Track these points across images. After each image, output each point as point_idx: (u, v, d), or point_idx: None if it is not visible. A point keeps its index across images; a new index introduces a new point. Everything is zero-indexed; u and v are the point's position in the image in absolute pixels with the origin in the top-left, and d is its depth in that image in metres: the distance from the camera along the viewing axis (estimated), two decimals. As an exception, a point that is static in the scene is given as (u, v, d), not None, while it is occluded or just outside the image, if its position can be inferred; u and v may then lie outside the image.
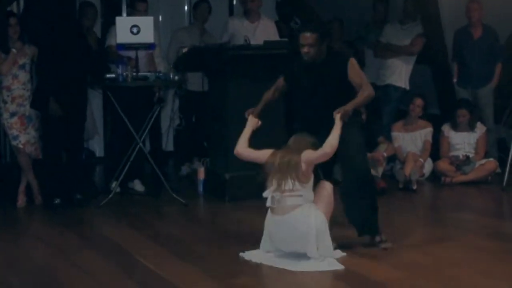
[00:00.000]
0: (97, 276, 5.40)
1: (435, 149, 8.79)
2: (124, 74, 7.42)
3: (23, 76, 7.41)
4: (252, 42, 7.97)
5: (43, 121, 7.46)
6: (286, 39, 8.35)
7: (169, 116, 9.11)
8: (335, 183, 5.84)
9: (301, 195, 5.47)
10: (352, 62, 5.84)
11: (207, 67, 8.07)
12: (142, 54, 7.84)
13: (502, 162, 8.57)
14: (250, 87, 7.51)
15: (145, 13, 8.07)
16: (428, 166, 8.69)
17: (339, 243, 5.77)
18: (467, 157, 8.54)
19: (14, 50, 7.34)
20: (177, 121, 9.45)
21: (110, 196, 7.48)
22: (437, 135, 8.82)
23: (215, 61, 7.73)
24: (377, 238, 5.96)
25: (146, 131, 7.74)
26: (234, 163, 7.54)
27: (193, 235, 6.49)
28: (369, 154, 7.10)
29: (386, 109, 9.16)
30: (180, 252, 5.92)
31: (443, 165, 8.61)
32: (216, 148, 7.95)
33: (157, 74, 7.73)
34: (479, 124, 8.73)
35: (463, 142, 8.70)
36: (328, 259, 5.51)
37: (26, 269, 5.66)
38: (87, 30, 8.38)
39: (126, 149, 7.72)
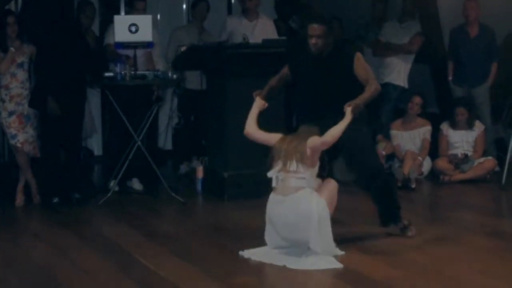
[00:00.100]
0: (96, 275, 5.40)
1: (434, 148, 8.79)
2: (123, 72, 7.42)
3: (22, 75, 7.41)
4: (251, 41, 7.96)
5: (41, 120, 7.46)
6: (284, 38, 8.34)
7: (167, 115, 9.11)
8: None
9: (304, 178, 5.51)
10: (358, 57, 5.93)
11: (206, 65, 8.06)
12: (140, 52, 7.83)
13: (501, 160, 8.58)
14: (249, 85, 7.46)
15: (143, 11, 8.07)
16: (426, 165, 8.69)
17: (339, 241, 5.77)
18: (466, 156, 8.54)
19: (12, 49, 7.33)
20: (175, 120, 9.44)
21: (109, 195, 7.47)
22: (435, 134, 8.82)
23: (213, 59, 7.73)
24: (400, 225, 6.15)
25: (145, 129, 7.73)
26: (233, 161, 7.58)
27: (192, 234, 6.49)
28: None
29: (385, 107, 9.16)
30: (179, 251, 5.92)
31: (442, 163, 8.61)
32: (215, 146, 7.95)
33: (155, 72, 7.73)
34: (477, 123, 8.73)
35: (461, 140, 8.70)
36: (327, 257, 5.51)
37: (25, 268, 5.66)
38: (86, 29, 8.38)
39: (125, 147, 7.72)
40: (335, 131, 5.54)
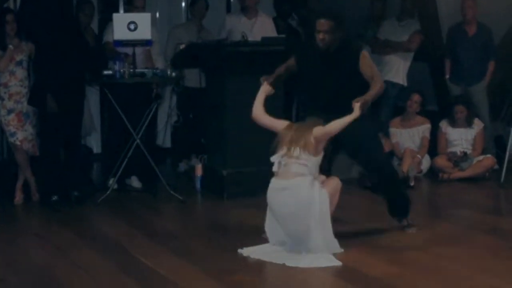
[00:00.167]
0: (95, 274, 5.40)
1: (433, 146, 8.79)
2: (122, 70, 7.42)
3: (20, 72, 7.40)
4: (250, 39, 7.95)
5: (40, 118, 7.45)
6: (283, 36, 8.34)
7: (166, 113, 9.11)
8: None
9: (306, 165, 5.53)
10: (364, 54, 5.97)
11: (205, 63, 8.06)
12: (139, 50, 7.82)
13: (500, 158, 8.58)
14: (248, 83, 7.47)
15: (142, 9, 8.07)
16: (425, 162, 8.69)
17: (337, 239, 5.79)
18: (465, 154, 8.55)
19: (11, 47, 7.32)
20: (174, 118, 9.44)
21: (108, 193, 7.47)
22: (435, 132, 8.83)
23: (212, 57, 7.73)
24: (404, 222, 6.22)
25: (144, 127, 7.73)
26: (232, 159, 7.58)
27: (191, 232, 6.49)
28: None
29: (384, 105, 9.16)
30: (178, 249, 5.92)
31: (441, 161, 8.62)
32: (214, 144, 7.95)
33: (154, 70, 7.73)
34: (476, 121, 8.74)
35: (460, 138, 8.71)
36: (326, 255, 5.52)
37: (24, 267, 5.66)
38: (85, 27, 8.38)
39: (124, 145, 7.72)
40: (339, 124, 5.58)
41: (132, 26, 7.46)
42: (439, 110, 9.46)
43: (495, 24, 8.95)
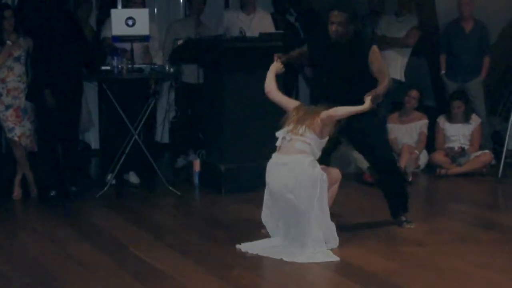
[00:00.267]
0: (93, 268, 5.40)
1: (431, 141, 8.80)
2: (119, 66, 7.42)
3: (18, 68, 7.40)
4: (248, 34, 7.96)
5: (39, 113, 7.45)
6: (281, 31, 8.34)
7: (164, 108, 9.11)
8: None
9: (309, 144, 5.56)
10: (375, 48, 6.02)
11: (203, 59, 8.06)
12: (137, 46, 7.83)
13: (497, 154, 8.59)
14: (246, 79, 7.52)
15: (140, 5, 8.06)
16: (423, 158, 8.70)
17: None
18: (462, 149, 8.56)
19: (9, 42, 7.32)
20: (172, 113, 9.44)
21: (106, 188, 7.48)
22: (432, 127, 8.83)
23: (210, 53, 7.73)
24: (402, 218, 6.26)
25: (142, 123, 7.73)
26: (230, 155, 7.59)
27: (189, 227, 6.50)
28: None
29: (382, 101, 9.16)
30: (175, 244, 5.92)
31: (439, 157, 8.63)
32: (212, 140, 7.96)
33: (152, 66, 7.73)
34: (474, 116, 8.75)
35: (458, 134, 8.72)
36: (324, 250, 5.53)
37: (22, 262, 5.67)
38: (83, 23, 8.37)
39: (122, 141, 7.72)
40: (346, 110, 5.63)
41: (130, 22, 7.46)
42: (437, 106, 9.48)
43: (492, 21, 8.98)
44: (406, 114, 8.83)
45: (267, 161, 5.68)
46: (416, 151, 8.58)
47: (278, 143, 5.66)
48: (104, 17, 8.54)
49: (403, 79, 9.15)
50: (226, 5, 10.52)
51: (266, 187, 5.71)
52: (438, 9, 9.24)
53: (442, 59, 9.00)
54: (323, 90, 6.12)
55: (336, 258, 5.48)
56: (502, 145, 8.51)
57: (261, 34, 7.75)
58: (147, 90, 7.99)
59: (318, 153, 5.65)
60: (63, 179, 7.52)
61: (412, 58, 9.24)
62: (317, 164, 5.59)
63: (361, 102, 5.67)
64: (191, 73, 8.67)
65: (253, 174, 6.84)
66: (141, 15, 7.58)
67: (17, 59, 7.39)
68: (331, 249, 5.60)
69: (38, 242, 6.13)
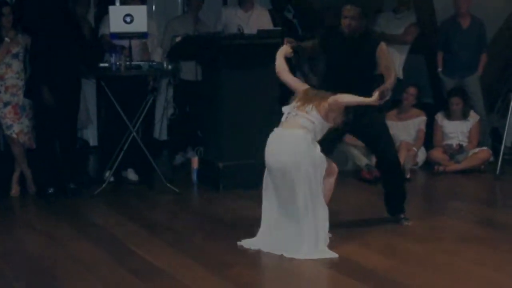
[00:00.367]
0: (91, 266, 5.41)
1: (429, 138, 8.81)
2: (118, 63, 7.42)
3: (17, 65, 7.40)
4: (246, 31, 7.96)
5: (37, 110, 7.45)
6: (279, 28, 8.34)
7: (163, 105, 9.11)
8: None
9: (313, 122, 5.60)
10: (383, 45, 6.10)
11: (201, 56, 8.06)
12: (135, 43, 7.82)
13: (495, 151, 8.60)
14: (244, 76, 7.53)
15: (139, 2, 8.05)
16: (421, 155, 8.71)
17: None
18: (461, 146, 8.57)
19: (7, 39, 7.32)
20: (171, 111, 9.44)
21: (104, 185, 7.48)
22: (430, 124, 8.84)
23: (208, 50, 7.73)
24: (401, 215, 6.31)
25: (140, 120, 7.73)
26: (228, 152, 7.59)
27: (187, 224, 6.50)
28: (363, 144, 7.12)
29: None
30: (174, 241, 5.93)
31: (437, 153, 8.63)
32: (210, 137, 7.96)
33: (150, 63, 7.73)
34: (472, 113, 8.75)
35: (456, 131, 8.72)
36: (322, 248, 5.53)
37: (20, 259, 5.67)
38: (81, 19, 8.36)
39: (120, 138, 7.72)
40: (353, 98, 5.64)
41: (128, 19, 7.46)
42: (435, 103, 9.48)
43: (490, 18, 8.98)
44: (404, 111, 8.83)
45: (265, 158, 5.68)
46: (414, 148, 8.58)
47: (283, 118, 5.72)
48: (102, 14, 8.54)
49: (401, 76, 9.13)
50: (224, 2, 10.52)
51: (266, 170, 5.71)
52: (436, 6, 9.24)
53: (439, 56, 9.01)
54: (332, 84, 6.16)
55: (334, 255, 5.49)
56: (500, 142, 8.52)
57: (259, 31, 7.75)
58: (145, 87, 7.99)
59: (319, 136, 5.67)
60: (61, 176, 7.51)
61: (410, 55, 9.24)
62: (318, 145, 5.62)
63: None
64: (190, 70, 8.66)
65: (251, 171, 6.84)
66: (139, 12, 7.57)
67: (15, 56, 7.38)
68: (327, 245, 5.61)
69: (36, 239, 6.14)
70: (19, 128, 7.39)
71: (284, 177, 5.55)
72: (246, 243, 5.74)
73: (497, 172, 8.15)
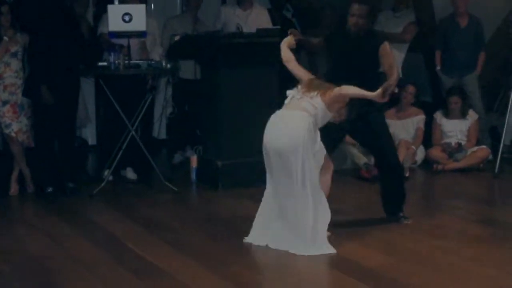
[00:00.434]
0: (90, 265, 5.40)
1: (428, 137, 8.81)
2: (116, 62, 7.41)
3: (15, 64, 7.39)
4: (245, 30, 7.96)
5: (35, 109, 7.45)
6: (278, 27, 8.34)
7: (161, 104, 9.11)
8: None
9: (316, 108, 5.61)
10: (386, 44, 6.13)
11: (200, 55, 8.05)
12: (134, 42, 7.82)
13: (494, 149, 8.60)
14: (243, 75, 7.53)
15: (137, 1, 8.05)
16: (420, 154, 8.71)
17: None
18: (459, 145, 8.57)
19: (6, 38, 7.31)
20: (169, 109, 9.43)
21: (103, 184, 7.47)
22: (429, 123, 8.84)
23: (207, 49, 7.72)
24: (400, 214, 6.32)
25: (139, 119, 7.73)
26: (227, 151, 7.59)
27: (186, 223, 6.50)
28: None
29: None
30: (173, 240, 5.93)
31: (435, 152, 8.64)
32: (209, 136, 7.96)
33: (149, 62, 7.73)
34: (471, 112, 8.76)
35: (455, 129, 8.73)
36: (323, 242, 5.55)
37: (19, 258, 5.66)
38: (80, 18, 8.35)
39: (119, 137, 7.72)
40: (356, 90, 5.64)
41: (127, 18, 7.46)
42: (433, 101, 9.48)
43: (488, 17, 8.99)
44: (403, 109, 8.83)
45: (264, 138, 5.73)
46: (413, 147, 8.58)
47: (286, 101, 5.74)
48: (101, 13, 8.53)
49: (400, 75, 9.12)
50: (223, 1, 10.52)
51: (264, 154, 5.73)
52: (435, 5, 9.25)
53: (437, 55, 9.02)
54: (335, 82, 6.18)
55: (333, 250, 5.51)
56: (499, 141, 8.52)
57: (258, 30, 7.75)
58: (144, 86, 7.99)
59: (319, 124, 5.68)
60: (60, 175, 7.52)
61: (409, 54, 9.24)
62: (318, 132, 5.63)
63: (370, 100, 5.75)
64: (188, 69, 8.66)
65: (250, 170, 6.85)
66: (138, 10, 7.57)
67: (14, 54, 7.38)
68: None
69: (35, 238, 6.12)
70: (18, 127, 7.39)
71: (281, 157, 5.56)
72: (252, 238, 5.76)
73: (496, 170, 8.16)
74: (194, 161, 8.05)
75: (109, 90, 7.55)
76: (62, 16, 7.46)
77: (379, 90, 5.61)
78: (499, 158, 8.22)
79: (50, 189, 7.43)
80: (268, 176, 5.74)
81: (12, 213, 7.18)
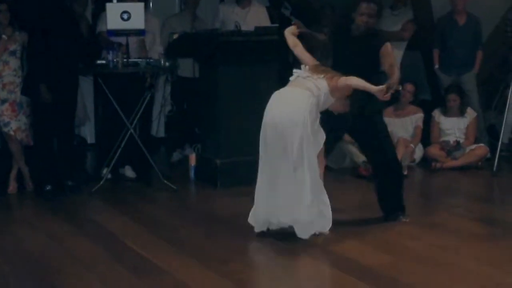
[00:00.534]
0: (89, 263, 5.41)
1: (426, 135, 8.82)
2: (115, 60, 7.41)
3: (14, 62, 7.39)
4: (243, 28, 7.96)
5: (34, 108, 7.45)
6: (277, 25, 8.34)
7: (160, 102, 9.11)
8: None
9: (319, 89, 5.65)
10: (388, 45, 6.15)
11: (198, 53, 8.05)
12: (133, 40, 7.82)
13: (492, 147, 8.61)
14: (241, 73, 7.53)
15: (136, -1, 8.05)
16: (418, 152, 8.72)
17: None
18: (458, 143, 8.57)
19: (4, 37, 7.31)
20: (168, 108, 9.43)
21: (101, 182, 7.48)
22: (427, 121, 8.84)
23: (206, 47, 7.72)
24: (399, 212, 6.32)
25: (137, 117, 7.73)
26: (226, 149, 7.59)
27: (185, 221, 6.50)
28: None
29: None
30: (171, 238, 5.93)
31: (434, 150, 8.64)
32: (208, 134, 7.96)
33: (147, 60, 7.73)
34: (469, 110, 8.76)
35: (453, 127, 8.73)
36: (320, 219, 5.64)
37: (18, 256, 5.67)
38: (79, 17, 8.35)
39: (117, 135, 7.72)
40: (361, 82, 5.69)
41: (125, 16, 7.46)
42: (432, 100, 9.49)
43: (487, 16, 9.00)
44: (401, 107, 8.84)
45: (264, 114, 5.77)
46: (412, 145, 8.59)
47: (292, 78, 5.79)
48: (99, 11, 8.53)
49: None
50: (222, -1, 10.52)
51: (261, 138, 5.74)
52: (433, 3, 9.25)
53: (436, 53, 9.02)
54: None
55: (329, 225, 5.71)
56: (497, 139, 8.53)
57: (256, 28, 7.75)
58: (142, 84, 7.98)
59: (321, 107, 5.72)
60: (59, 174, 7.52)
61: (407, 52, 9.24)
62: (319, 116, 5.67)
63: (373, 96, 5.77)
64: (187, 67, 8.67)
65: (249, 168, 6.82)
66: (137, 9, 7.56)
67: (13, 53, 7.38)
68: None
69: (34, 237, 6.13)
70: (16, 125, 7.39)
71: (277, 131, 5.58)
72: (251, 219, 5.83)
73: (494, 168, 8.16)
74: (192, 159, 8.06)
75: (108, 88, 7.55)
76: (61, 15, 7.46)
77: (383, 86, 5.63)
78: (498, 156, 8.23)
79: (49, 187, 7.43)
80: (261, 153, 5.77)
81: (11, 211, 7.18)
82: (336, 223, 5.88)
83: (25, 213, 7.13)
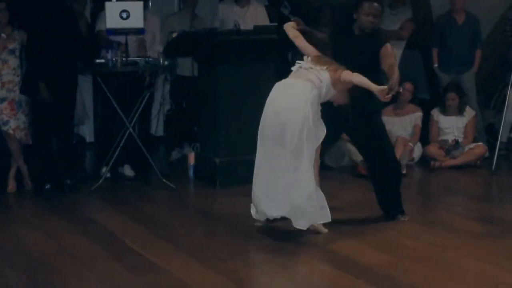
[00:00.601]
0: (88, 261, 5.41)
1: (425, 134, 8.82)
2: (114, 59, 7.41)
3: (13, 61, 7.39)
4: (242, 27, 7.96)
5: (33, 106, 7.45)
6: (275, 24, 8.34)
7: (159, 101, 9.11)
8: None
9: (321, 81, 5.67)
10: (388, 46, 6.16)
11: (197, 52, 8.05)
12: (132, 39, 7.82)
13: (491, 146, 8.61)
14: (240, 72, 7.53)
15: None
16: (417, 151, 8.72)
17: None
18: (456, 141, 8.58)
19: (3, 35, 7.31)
20: (167, 106, 9.43)
21: (101, 181, 7.47)
22: (426, 120, 8.85)
23: (205, 46, 7.72)
24: (397, 211, 6.32)
25: (136, 116, 7.73)
26: (225, 148, 7.59)
27: (184, 220, 6.50)
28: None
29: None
30: (170, 237, 5.93)
31: (433, 149, 8.65)
32: (207, 133, 7.96)
33: (147, 59, 7.73)
34: (468, 109, 8.77)
35: (452, 126, 8.73)
36: (322, 208, 5.66)
37: (17, 255, 5.67)
38: (78, 15, 8.35)
39: (116, 134, 7.72)
40: (362, 79, 5.71)
41: (124, 15, 7.46)
42: (431, 99, 9.49)
43: (486, 15, 9.00)
44: (400, 106, 8.84)
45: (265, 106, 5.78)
46: (410, 144, 8.60)
47: (294, 69, 5.80)
48: (98, 10, 8.53)
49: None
50: (221, -2, 10.51)
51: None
52: (432, 2, 9.25)
53: (435, 52, 9.03)
54: None
55: (328, 219, 5.69)
56: (496, 138, 8.53)
57: (255, 27, 7.76)
58: (141, 83, 7.99)
59: (322, 99, 5.74)
60: (58, 172, 7.52)
61: (406, 51, 9.25)
62: (320, 108, 5.67)
63: (373, 96, 5.79)
64: (186, 66, 8.67)
65: (248, 167, 6.83)
66: (136, 8, 7.57)
67: (12, 52, 7.38)
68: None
69: (33, 235, 6.13)
70: (15, 124, 7.39)
71: (277, 118, 5.60)
72: (253, 212, 5.85)
73: (493, 167, 8.16)
74: (191, 158, 8.06)
75: (107, 87, 7.55)
76: (60, 14, 7.46)
77: (385, 87, 5.63)
78: (496, 155, 8.23)
79: (48, 186, 7.43)
80: (258, 146, 5.79)
81: (10, 210, 7.18)
82: (335, 222, 5.89)
83: (24, 212, 7.13)
